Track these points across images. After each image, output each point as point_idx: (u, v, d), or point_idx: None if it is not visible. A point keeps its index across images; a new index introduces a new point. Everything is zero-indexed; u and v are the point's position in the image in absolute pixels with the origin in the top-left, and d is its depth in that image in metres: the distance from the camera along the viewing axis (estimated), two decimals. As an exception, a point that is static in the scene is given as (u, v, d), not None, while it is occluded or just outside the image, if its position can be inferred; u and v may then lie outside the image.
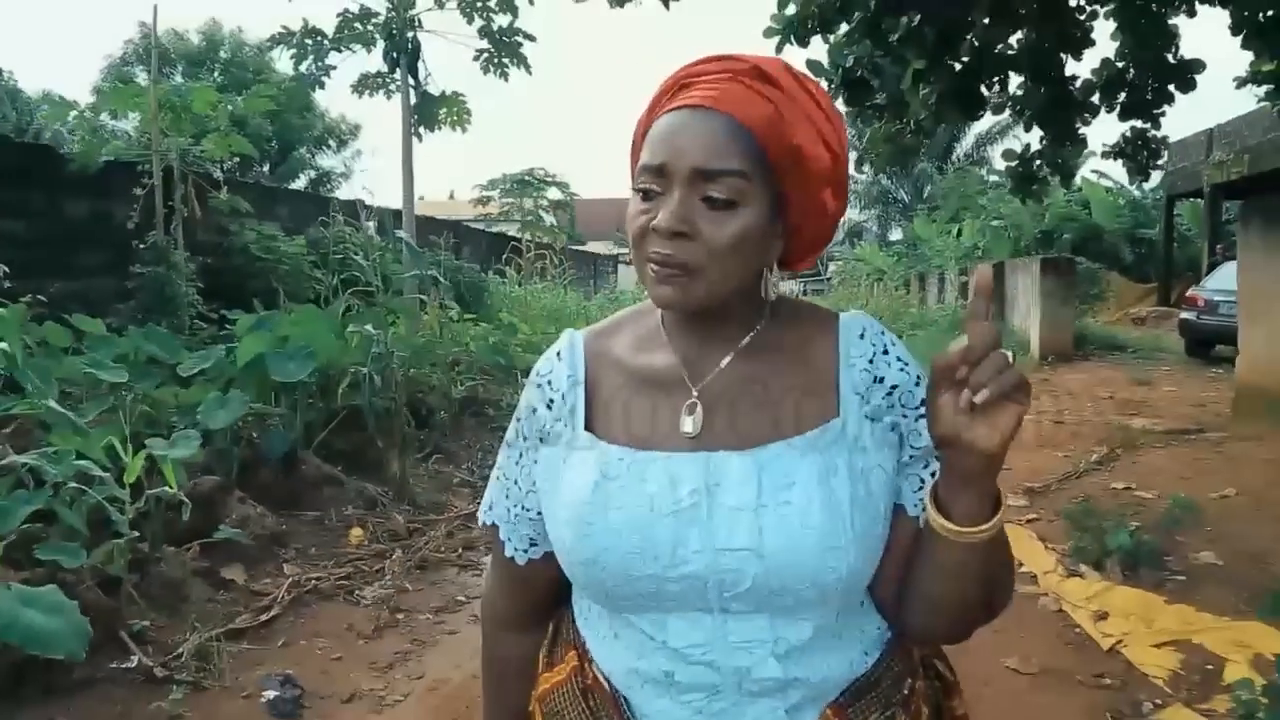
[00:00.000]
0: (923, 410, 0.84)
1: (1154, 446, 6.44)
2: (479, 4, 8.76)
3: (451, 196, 38.65)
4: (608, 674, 0.93)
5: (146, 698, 2.79)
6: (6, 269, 5.45)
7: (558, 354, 0.99)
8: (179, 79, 16.39)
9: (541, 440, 0.96)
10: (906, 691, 0.92)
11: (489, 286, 12.09)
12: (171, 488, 3.04)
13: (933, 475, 0.86)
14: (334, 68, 8.37)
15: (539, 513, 0.96)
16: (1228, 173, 17.85)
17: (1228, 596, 3.48)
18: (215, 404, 3.95)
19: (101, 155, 7.44)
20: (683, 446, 0.89)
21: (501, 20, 8.63)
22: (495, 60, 8.93)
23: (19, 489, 2.90)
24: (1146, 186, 24.42)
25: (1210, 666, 3.00)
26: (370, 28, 8.86)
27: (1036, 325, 12.18)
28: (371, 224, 7.62)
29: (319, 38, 8.70)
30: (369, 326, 5.14)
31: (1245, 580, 3.56)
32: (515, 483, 0.99)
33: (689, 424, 0.90)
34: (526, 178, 20.74)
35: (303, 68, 8.71)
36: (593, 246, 28.28)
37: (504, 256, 14.25)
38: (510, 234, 17.91)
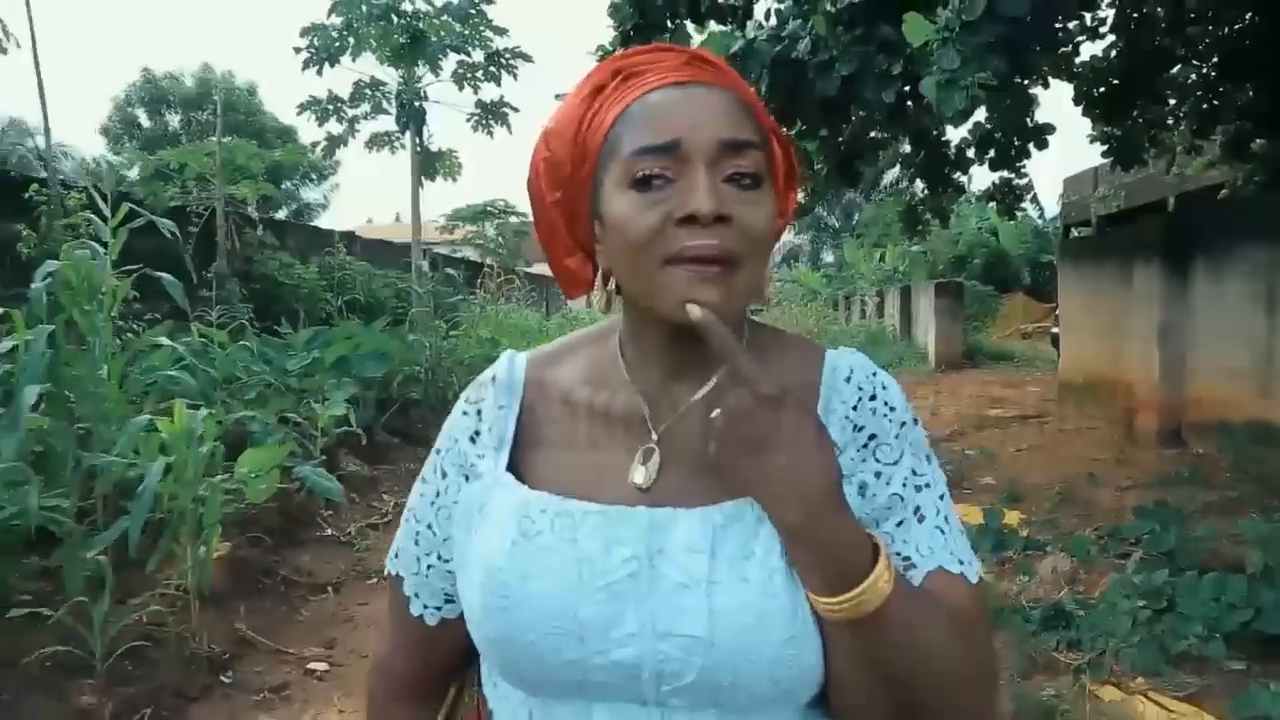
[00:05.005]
0: (896, 463, 0.76)
1: (997, 426, 8.61)
2: (469, 76, 10.77)
3: (398, 219, 40.46)
4: None
5: (342, 552, 4.70)
6: (138, 293, 7.27)
7: (493, 378, 0.84)
8: (175, 119, 18.13)
9: (466, 479, 0.81)
10: None
11: (445, 303, 14.05)
12: (353, 425, 4.97)
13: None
14: (358, 130, 10.28)
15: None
16: (1110, 206, 20.51)
17: (993, 499, 5.58)
18: (335, 387, 5.85)
19: (169, 201, 9.29)
20: (627, 499, 0.75)
21: (491, 92, 10.65)
22: (484, 123, 10.92)
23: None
24: (1047, 215, 27.35)
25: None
26: (379, 94, 10.81)
27: (932, 339, 14.48)
28: (425, 262, 9.50)
29: (339, 103, 10.60)
30: (422, 337, 7.07)
31: (1004, 489, 5.66)
32: (429, 527, 0.84)
33: (640, 474, 0.76)
34: (488, 208, 22.71)
35: (325, 128, 10.62)
36: (539, 269, 30.27)
37: (478, 280, 16.16)
38: (470, 258, 19.82)
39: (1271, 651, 2.92)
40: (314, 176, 20.09)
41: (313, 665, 3.45)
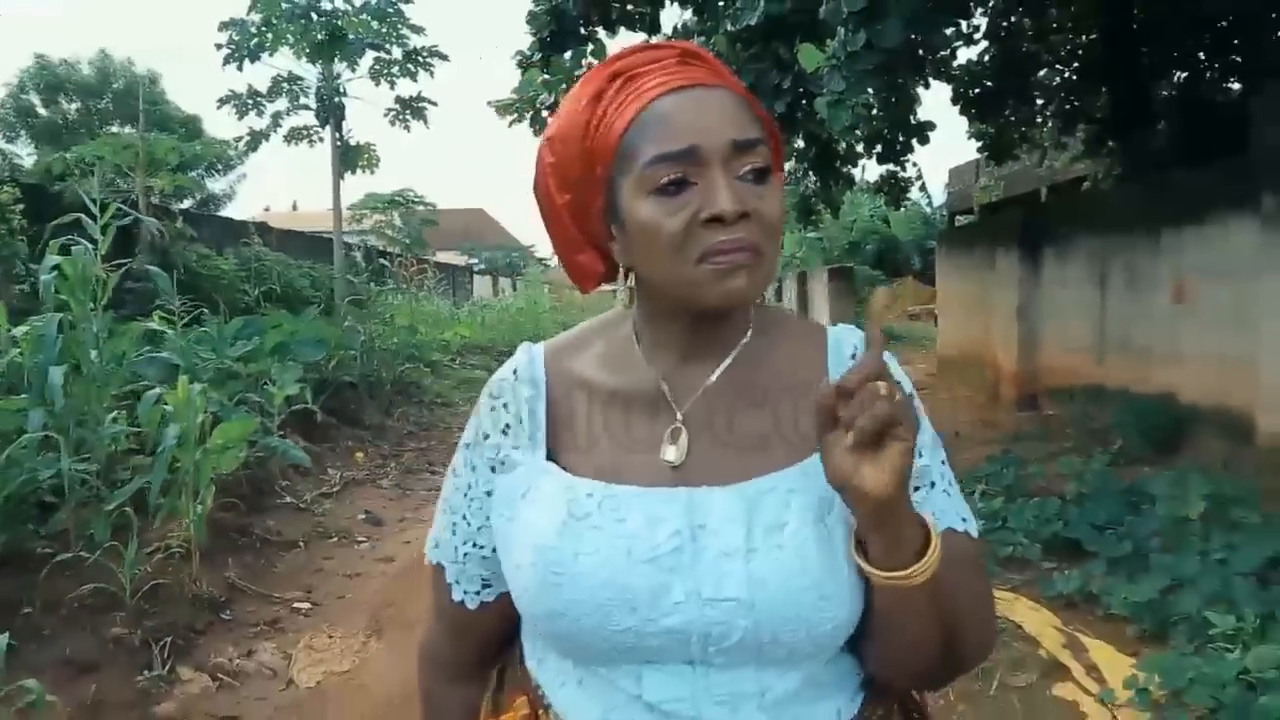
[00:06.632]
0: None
1: (882, 398, 9.54)
2: (385, 72, 11.13)
3: (295, 208, 39.93)
4: None
5: (302, 517, 5.20)
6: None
7: (514, 372, 0.89)
8: (73, 108, 17.79)
9: (493, 470, 0.87)
10: None
11: (372, 293, 14.37)
12: (307, 401, 5.45)
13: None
14: (280, 125, 10.55)
15: (493, 549, 0.87)
16: (990, 195, 21.93)
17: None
18: (281, 370, 6.29)
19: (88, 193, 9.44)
20: (661, 479, 0.81)
21: (409, 87, 11.05)
22: (401, 117, 11.30)
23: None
24: (936, 204, 28.92)
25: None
26: (297, 88, 11.07)
27: (826, 321, 15.44)
28: (358, 253, 9.87)
29: (259, 98, 10.84)
30: (355, 323, 7.54)
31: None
32: (463, 518, 0.90)
33: (671, 452, 0.81)
34: (396, 197, 22.92)
35: (245, 121, 10.86)
36: (444, 258, 30.46)
37: (387, 270, 16.46)
38: (377, 246, 20.03)
39: (1073, 553, 3.77)
40: (220, 168, 20.00)
41: (297, 605, 4.00)
